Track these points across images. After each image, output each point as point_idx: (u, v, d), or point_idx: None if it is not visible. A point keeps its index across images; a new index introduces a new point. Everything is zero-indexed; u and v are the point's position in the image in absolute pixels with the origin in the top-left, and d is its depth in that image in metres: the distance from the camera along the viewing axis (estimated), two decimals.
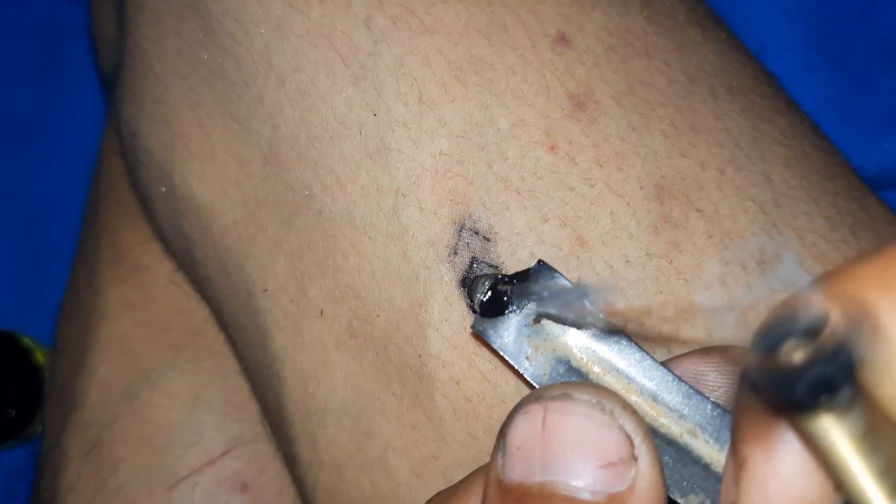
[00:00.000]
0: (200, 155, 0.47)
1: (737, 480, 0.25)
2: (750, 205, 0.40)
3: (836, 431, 0.21)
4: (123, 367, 0.59)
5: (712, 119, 0.42)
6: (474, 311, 0.37)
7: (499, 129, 0.41)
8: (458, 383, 0.40)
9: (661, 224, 0.40)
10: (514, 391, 0.40)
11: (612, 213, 0.40)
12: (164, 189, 0.50)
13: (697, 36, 0.44)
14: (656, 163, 0.40)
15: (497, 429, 0.39)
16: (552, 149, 0.40)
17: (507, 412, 0.39)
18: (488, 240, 0.40)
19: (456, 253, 0.40)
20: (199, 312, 0.58)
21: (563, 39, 0.42)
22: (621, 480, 0.27)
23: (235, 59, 0.45)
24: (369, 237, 0.42)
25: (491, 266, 0.40)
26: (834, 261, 0.40)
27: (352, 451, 0.43)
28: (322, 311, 0.44)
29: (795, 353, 0.20)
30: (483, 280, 0.35)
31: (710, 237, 0.40)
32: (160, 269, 0.60)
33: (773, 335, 0.20)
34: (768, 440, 0.24)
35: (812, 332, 0.20)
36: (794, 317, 0.20)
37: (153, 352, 0.59)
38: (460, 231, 0.40)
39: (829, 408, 0.21)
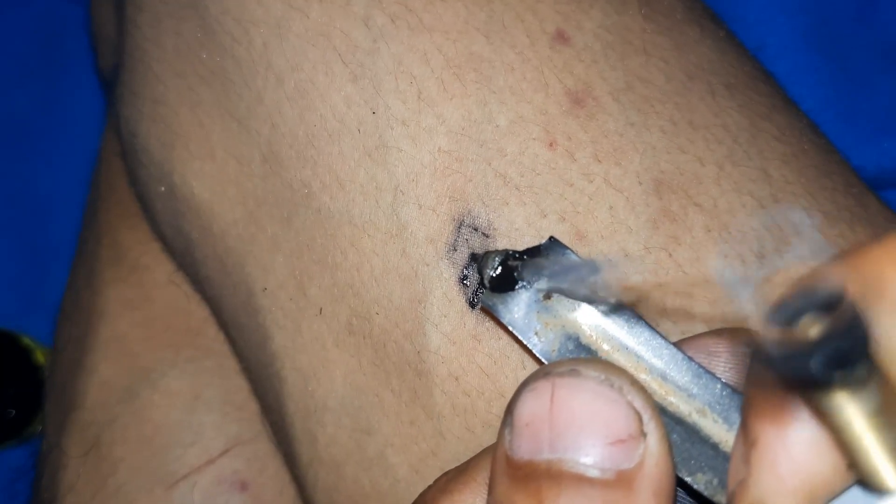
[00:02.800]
0: (200, 154, 0.47)
1: (747, 459, 0.25)
2: (748, 199, 0.40)
3: (850, 408, 0.21)
4: (123, 366, 0.59)
5: (710, 115, 0.42)
6: (482, 289, 0.37)
7: (497, 126, 0.41)
8: (456, 379, 0.40)
9: (659, 218, 0.40)
10: (513, 385, 0.40)
11: (611, 207, 0.40)
12: (163, 189, 0.50)
13: (695, 34, 0.45)
14: (655, 158, 0.40)
15: (496, 423, 0.39)
16: (551, 145, 0.40)
17: (506, 406, 0.39)
18: (487, 236, 0.40)
19: (455, 249, 0.40)
20: (199, 312, 0.58)
21: (561, 37, 0.42)
22: (630, 457, 0.27)
23: (235, 58, 0.45)
24: (368, 235, 0.42)
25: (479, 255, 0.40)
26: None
27: (351, 449, 0.43)
28: (321, 309, 0.44)
29: (812, 328, 0.20)
30: (493, 255, 0.35)
31: (708, 231, 0.40)
32: (160, 269, 0.60)
33: (789, 310, 0.20)
34: (780, 418, 0.24)
35: (829, 307, 0.20)
36: (811, 292, 0.20)
37: (153, 351, 0.59)
38: (459, 227, 0.40)
39: (844, 384, 0.21)
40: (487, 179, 0.40)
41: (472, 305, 0.40)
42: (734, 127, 0.42)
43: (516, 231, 0.40)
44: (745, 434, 0.25)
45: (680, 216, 0.40)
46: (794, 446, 0.24)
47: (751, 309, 0.22)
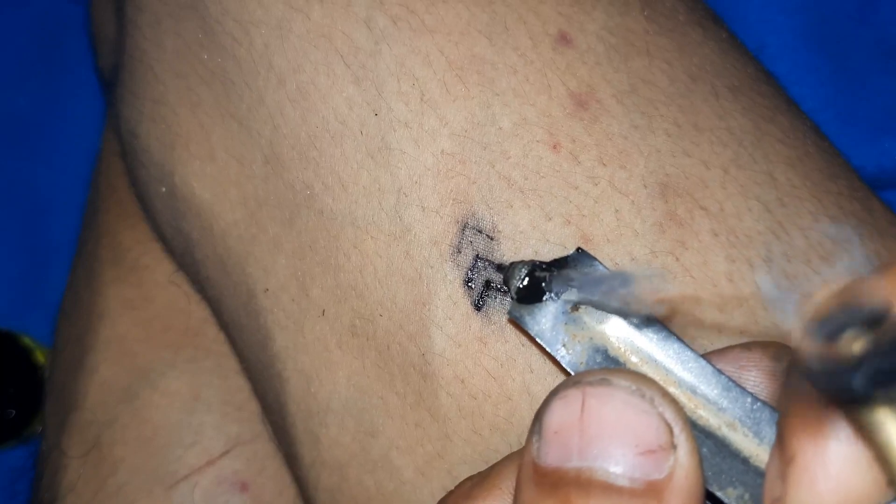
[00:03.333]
0: (200, 155, 0.47)
1: (784, 476, 0.24)
2: (755, 203, 0.40)
3: (893, 424, 0.21)
4: (123, 366, 0.59)
5: (715, 118, 0.42)
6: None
7: (501, 129, 0.41)
8: (462, 381, 0.40)
9: (666, 222, 0.40)
10: (519, 388, 0.40)
11: (617, 211, 0.40)
12: (163, 189, 0.50)
13: (698, 35, 0.44)
14: (660, 161, 0.40)
15: (503, 426, 0.39)
16: (555, 147, 0.40)
17: (513, 409, 0.39)
18: (492, 238, 0.40)
19: (459, 251, 0.40)
20: (199, 312, 0.58)
21: (564, 39, 0.42)
22: (660, 468, 0.27)
23: (235, 59, 0.45)
24: (371, 237, 0.42)
25: (495, 265, 0.40)
26: (839, 260, 0.40)
27: (355, 451, 0.43)
28: (324, 310, 0.43)
29: (855, 344, 0.20)
30: (520, 266, 0.35)
31: (715, 235, 0.40)
32: (160, 270, 0.60)
33: (831, 324, 0.20)
34: (819, 435, 0.24)
35: (872, 322, 0.20)
36: (855, 306, 0.20)
37: (153, 352, 0.59)
38: (463, 230, 0.40)
39: (888, 400, 0.21)
40: (491, 182, 0.40)
41: (478, 308, 0.40)
42: (738, 130, 0.42)
43: (521, 234, 0.40)
44: (782, 450, 0.25)
45: (686, 220, 0.40)
46: (833, 463, 0.23)
47: (790, 324, 0.21)
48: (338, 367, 0.43)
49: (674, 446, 0.27)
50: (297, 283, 0.44)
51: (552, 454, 0.27)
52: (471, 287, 0.40)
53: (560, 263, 0.34)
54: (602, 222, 0.40)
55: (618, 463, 0.27)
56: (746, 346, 0.33)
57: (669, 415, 0.27)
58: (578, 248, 0.34)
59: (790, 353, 0.31)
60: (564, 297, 0.33)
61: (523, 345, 0.40)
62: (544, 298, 0.34)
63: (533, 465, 0.28)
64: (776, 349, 0.33)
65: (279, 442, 0.51)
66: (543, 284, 0.34)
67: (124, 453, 0.57)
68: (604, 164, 0.40)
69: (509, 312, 0.35)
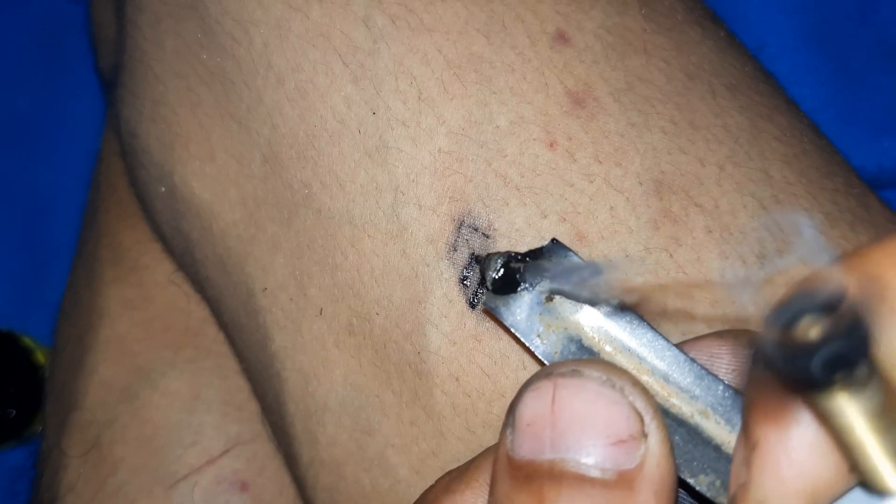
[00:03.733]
0: (200, 155, 0.47)
1: (748, 462, 0.25)
2: (750, 200, 0.40)
3: (851, 409, 0.21)
4: (123, 366, 0.59)
5: (711, 116, 0.42)
6: (483, 291, 0.37)
7: (498, 127, 0.41)
8: (457, 379, 0.40)
9: (660, 219, 0.40)
10: (513, 386, 0.40)
11: (612, 208, 0.40)
12: (163, 189, 0.50)
13: (696, 34, 0.45)
14: (655, 159, 0.40)
15: (496, 424, 0.39)
16: (551, 145, 0.40)
17: (507, 406, 0.39)
18: (488, 236, 0.40)
19: (455, 250, 0.40)
20: (199, 312, 0.58)
21: (561, 37, 0.42)
22: (631, 458, 0.27)
23: (235, 59, 0.45)
24: (368, 235, 0.42)
25: (478, 259, 0.40)
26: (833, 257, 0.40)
27: (352, 450, 0.43)
28: (321, 309, 0.44)
29: (812, 329, 0.20)
30: (496, 257, 0.35)
31: (709, 232, 0.40)
32: (160, 269, 0.60)
33: (789, 311, 0.20)
34: (782, 421, 0.24)
35: (829, 308, 0.20)
36: (812, 293, 0.20)
37: (152, 351, 0.59)
38: (459, 228, 0.40)
39: (845, 385, 0.21)
40: (488, 180, 0.40)
41: (473, 306, 0.40)
42: (735, 128, 0.42)
43: (517, 232, 0.40)
44: (746, 436, 0.25)
45: (681, 217, 0.40)
46: (795, 448, 0.24)
47: (752, 310, 0.21)
48: (335, 365, 0.43)
49: (644, 435, 0.27)
50: (295, 282, 0.44)
51: (525, 447, 0.28)
52: (466, 285, 0.40)
53: (535, 254, 0.34)
54: (597, 219, 0.40)
55: (589, 454, 0.27)
56: (719, 335, 0.33)
57: (640, 404, 0.27)
58: (553, 239, 0.34)
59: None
60: (539, 287, 0.34)
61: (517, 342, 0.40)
62: (519, 289, 0.34)
63: (507, 458, 0.28)
64: (749, 337, 0.33)
65: (278, 441, 0.51)
66: (518, 275, 0.34)
67: (124, 453, 0.57)
68: (599, 162, 0.40)
69: (485, 303, 0.35)
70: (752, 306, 0.22)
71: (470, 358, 0.40)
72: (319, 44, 0.43)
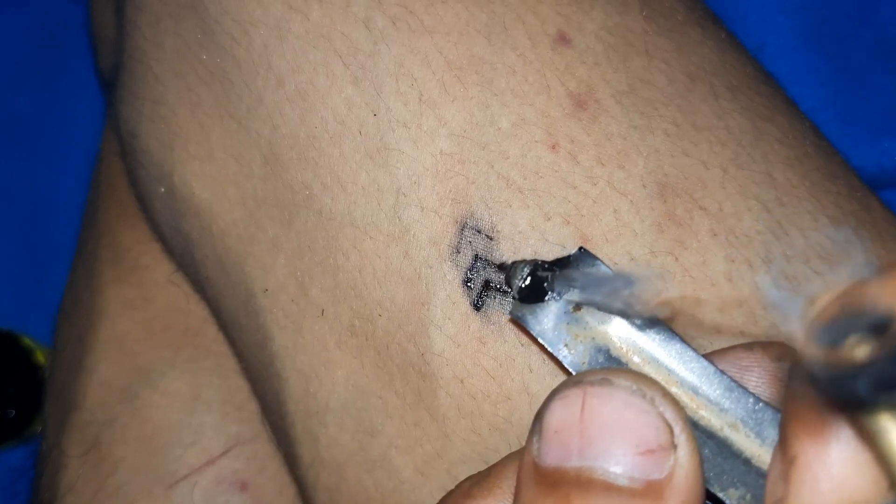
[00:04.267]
0: (200, 155, 0.47)
1: (786, 477, 0.24)
2: (754, 203, 0.40)
3: (894, 429, 0.21)
4: (123, 366, 0.59)
5: (714, 118, 0.42)
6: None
7: (500, 129, 0.41)
8: (462, 381, 0.40)
9: (665, 222, 0.40)
10: (519, 388, 0.40)
11: (616, 210, 0.40)
12: (163, 189, 0.50)
13: (697, 35, 0.44)
14: (659, 161, 0.40)
15: (502, 426, 0.39)
16: (553, 147, 0.40)
17: (512, 409, 0.39)
18: (491, 238, 0.40)
19: (458, 251, 0.40)
20: (199, 312, 0.58)
21: (563, 39, 0.42)
22: (660, 468, 0.26)
23: (234, 59, 0.45)
24: (370, 237, 0.42)
25: (494, 265, 0.40)
26: (839, 261, 0.40)
27: (353, 450, 0.43)
28: (323, 310, 0.44)
29: (860, 349, 0.20)
30: (522, 265, 0.35)
31: (714, 235, 0.40)
32: (159, 269, 0.60)
33: (835, 329, 0.20)
34: (821, 436, 0.23)
35: (876, 328, 0.20)
36: (859, 311, 0.20)
37: (152, 351, 0.59)
38: (462, 230, 0.40)
39: (890, 406, 0.21)
40: (490, 182, 0.40)
41: (477, 308, 0.40)
42: (737, 129, 0.42)
43: (520, 234, 0.40)
44: (784, 451, 0.25)
45: (685, 220, 0.40)
46: (834, 464, 0.23)
47: (791, 326, 0.21)
48: (337, 366, 0.43)
49: (674, 446, 0.27)
50: (296, 283, 0.44)
51: (552, 454, 0.27)
52: (470, 287, 0.40)
53: (562, 263, 0.34)
54: (601, 222, 0.40)
55: (618, 462, 0.26)
56: (748, 347, 0.33)
57: (670, 415, 0.27)
58: (581, 248, 0.34)
59: (793, 355, 0.31)
60: (567, 297, 0.33)
61: (522, 344, 0.40)
62: (546, 298, 0.33)
63: (533, 465, 0.28)
64: (779, 350, 0.33)
65: (278, 442, 0.51)
66: (546, 284, 0.34)
67: (124, 453, 0.57)
68: (602, 164, 0.40)
69: (511, 312, 0.34)
70: (795, 323, 0.21)
71: (475, 360, 0.40)
72: (320, 45, 0.43)
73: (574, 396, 0.28)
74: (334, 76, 0.43)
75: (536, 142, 0.40)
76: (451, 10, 0.42)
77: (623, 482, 0.26)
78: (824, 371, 0.20)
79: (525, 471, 0.28)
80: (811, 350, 0.20)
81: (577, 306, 0.33)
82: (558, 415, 0.28)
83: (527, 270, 0.34)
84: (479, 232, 0.40)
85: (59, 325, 0.66)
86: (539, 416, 0.28)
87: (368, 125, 0.42)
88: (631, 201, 0.40)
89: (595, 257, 0.34)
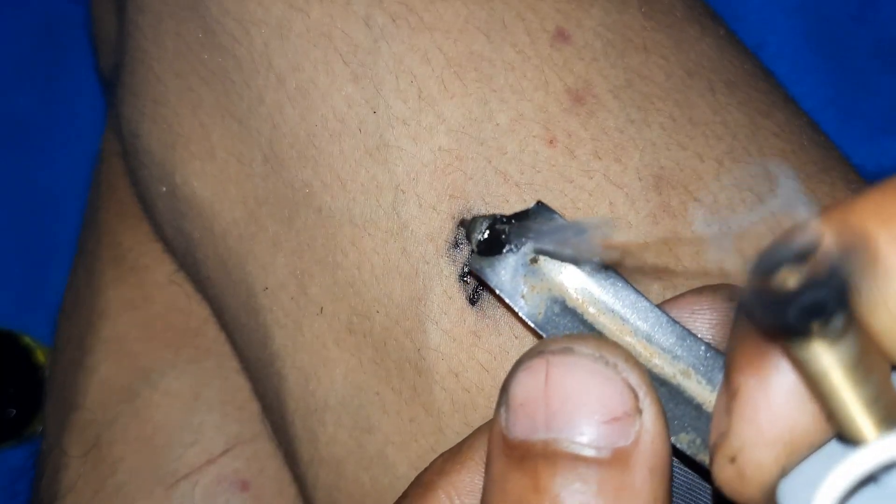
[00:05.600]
0: (201, 154, 0.47)
1: (728, 410, 0.24)
2: (748, 195, 0.40)
3: (827, 358, 0.21)
4: (123, 366, 0.59)
5: (710, 112, 0.42)
6: (464, 281, 0.37)
7: (498, 125, 0.41)
8: (456, 375, 0.40)
9: (659, 213, 0.40)
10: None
11: (611, 203, 0.40)
12: (164, 189, 0.50)
13: (695, 32, 0.45)
14: (654, 154, 0.40)
15: None
16: (551, 142, 0.40)
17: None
18: None
19: (455, 247, 0.41)
20: (199, 312, 0.58)
21: (561, 35, 0.42)
22: (625, 435, 0.26)
23: (235, 58, 0.45)
24: (369, 234, 0.42)
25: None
26: None
27: (351, 448, 0.44)
28: (322, 308, 0.44)
29: (790, 278, 0.20)
30: (481, 220, 0.35)
31: (708, 226, 0.40)
32: (160, 270, 0.60)
33: (769, 260, 0.20)
34: (762, 369, 0.24)
35: (805, 255, 0.20)
36: (792, 243, 0.20)
37: (153, 351, 0.59)
38: (459, 225, 0.41)
39: (822, 334, 0.21)
40: (488, 177, 0.40)
41: (473, 302, 0.40)
42: (734, 123, 0.42)
43: None
44: (727, 385, 0.25)
45: (679, 211, 0.40)
46: (774, 397, 0.23)
47: (732, 261, 0.21)
48: (335, 364, 0.43)
49: (639, 411, 0.27)
50: (295, 281, 0.44)
51: (519, 427, 0.27)
52: (466, 282, 0.40)
53: (521, 216, 0.34)
54: (596, 214, 0.40)
55: (583, 433, 0.26)
56: (697, 291, 0.33)
57: (634, 379, 0.27)
58: (538, 202, 0.34)
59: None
60: (524, 249, 0.33)
61: (516, 337, 0.40)
62: (504, 251, 0.34)
63: (501, 438, 0.28)
64: (728, 291, 0.33)
65: (278, 440, 0.51)
66: (503, 237, 0.34)
67: (125, 452, 0.57)
68: (599, 158, 0.40)
69: (470, 264, 0.35)
70: (732, 258, 0.22)
71: (469, 354, 0.40)
72: (320, 43, 0.43)
73: (537, 367, 0.27)
74: (334, 74, 0.43)
75: (534, 137, 0.40)
76: (451, 7, 0.42)
77: (589, 452, 0.26)
78: (759, 301, 0.20)
79: (494, 443, 0.28)
80: (747, 281, 0.20)
81: (535, 259, 0.33)
82: (523, 386, 0.27)
83: (485, 224, 0.35)
84: None
85: (59, 325, 0.66)
86: (505, 387, 0.28)
87: (368, 122, 0.42)
88: (626, 193, 0.40)
89: (552, 210, 0.34)
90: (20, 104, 0.88)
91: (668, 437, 0.27)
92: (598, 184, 0.40)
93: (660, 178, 0.40)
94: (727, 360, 0.25)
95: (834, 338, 0.21)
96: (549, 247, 0.32)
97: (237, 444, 0.57)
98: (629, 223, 0.40)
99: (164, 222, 0.54)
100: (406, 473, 0.42)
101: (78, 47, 0.82)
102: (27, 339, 0.79)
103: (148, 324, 0.60)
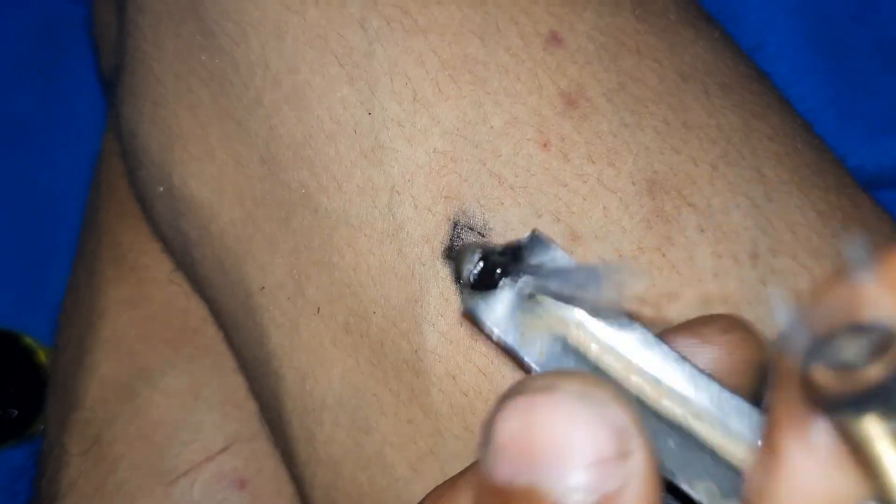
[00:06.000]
0: (199, 155, 0.48)
1: (767, 468, 0.24)
2: (742, 199, 0.40)
3: (877, 430, 0.21)
4: (123, 365, 0.59)
5: (704, 116, 0.42)
6: (458, 282, 0.36)
7: (492, 127, 0.41)
8: (454, 378, 0.40)
9: (653, 218, 0.40)
10: (510, 384, 0.39)
11: (605, 208, 0.40)
12: (162, 189, 0.50)
13: (689, 34, 0.45)
14: (648, 158, 0.41)
15: None
16: (545, 146, 0.41)
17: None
18: (483, 236, 0.40)
19: (451, 248, 0.41)
20: (198, 311, 0.58)
21: (555, 39, 0.42)
22: (613, 478, 0.24)
23: (233, 60, 0.46)
24: (365, 235, 0.42)
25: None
26: (826, 254, 0.40)
27: (349, 448, 0.44)
28: (319, 308, 0.44)
29: (871, 371, 0.19)
30: (472, 250, 0.32)
31: (702, 231, 0.40)
32: (159, 269, 0.60)
33: (830, 344, 0.19)
34: (805, 430, 0.23)
35: (877, 343, 0.19)
36: (860, 329, 0.19)
37: (152, 350, 0.59)
38: (455, 227, 0.41)
39: (884, 415, 0.20)
40: (482, 180, 0.41)
41: (458, 282, 0.40)
42: (728, 127, 0.42)
43: (512, 231, 0.40)
44: (768, 442, 0.24)
45: (673, 216, 0.40)
46: (816, 458, 0.23)
47: (782, 324, 0.21)
48: (332, 364, 0.44)
49: (628, 453, 0.25)
50: (292, 281, 0.45)
51: (501, 469, 0.25)
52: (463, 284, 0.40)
53: (515, 248, 0.31)
54: (590, 219, 0.40)
55: (568, 478, 0.24)
56: (703, 321, 0.32)
57: (621, 420, 0.25)
58: (534, 231, 0.31)
59: (746, 330, 0.31)
60: (520, 283, 0.31)
61: None
62: (500, 285, 0.31)
63: (487, 479, 0.26)
64: (724, 323, 0.32)
65: (276, 440, 0.51)
66: (499, 271, 0.31)
67: (124, 450, 0.57)
68: (592, 162, 0.40)
69: (462, 301, 0.32)
70: (780, 320, 0.21)
71: (467, 356, 0.40)
72: (316, 45, 0.43)
73: (520, 406, 0.25)
74: (330, 76, 0.43)
75: (528, 140, 0.41)
76: (446, 10, 0.42)
77: (577, 497, 0.24)
78: (826, 388, 0.20)
79: (481, 483, 0.26)
80: (807, 354, 0.20)
81: (531, 294, 0.31)
82: (506, 427, 0.26)
83: (476, 255, 0.31)
84: (471, 229, 0.40)
85: (59, 325, 0.66)
86: (486, 427, 0.26)
87: (363, 124, 0.42)
88: (620, 198, 0.40)
89: (549, 241, 0.31)
90: (20, 104, 0.88)
91: (659, 479, 0.25)
92: (591, 188, 0.40)
93: (653, 182, 0.40)
94: (769, 417, 0.24)
95: (889, 412, 0.20)
96: (552, 288, 0.30)
97: (236, 442, 0.57)
98: (623, 228, 0.40)
99: (162, 222, 0.54)
100: (404, 475, 0.42)
101: (78, 47, 0.82)
102: (28, 340, 0.79)
103: (148, 323, 0.60)
